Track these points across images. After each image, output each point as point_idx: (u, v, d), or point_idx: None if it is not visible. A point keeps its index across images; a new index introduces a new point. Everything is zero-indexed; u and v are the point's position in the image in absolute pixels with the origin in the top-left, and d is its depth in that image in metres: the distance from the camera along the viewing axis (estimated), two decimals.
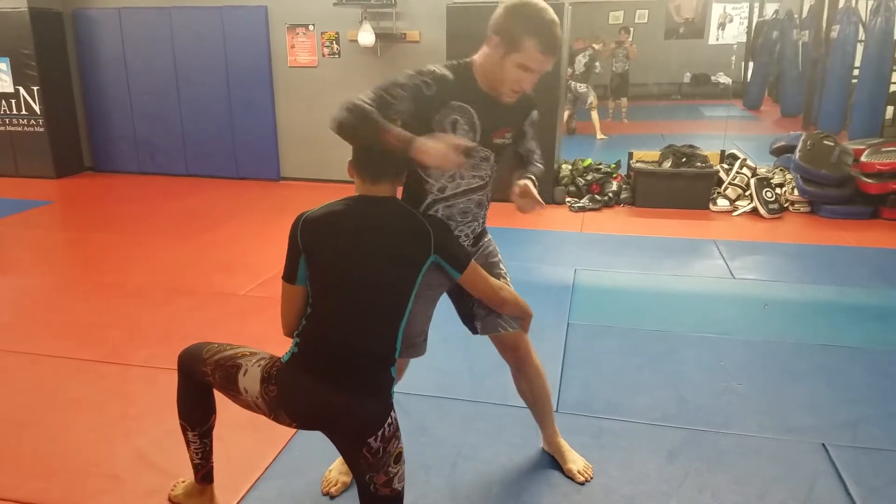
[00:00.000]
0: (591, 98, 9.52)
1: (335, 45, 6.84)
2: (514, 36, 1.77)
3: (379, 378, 1.72)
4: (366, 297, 1.72)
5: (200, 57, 7.19)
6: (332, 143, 8.31)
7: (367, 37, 6.45)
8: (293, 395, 1.72)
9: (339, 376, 1.69)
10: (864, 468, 2.37)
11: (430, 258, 1.79)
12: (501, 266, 2.16)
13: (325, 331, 1.74)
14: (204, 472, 2.06)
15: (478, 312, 2.13)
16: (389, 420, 1.70)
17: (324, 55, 6.91)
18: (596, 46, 9.66)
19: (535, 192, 1.95)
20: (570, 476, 2.32)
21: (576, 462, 2.35)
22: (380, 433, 1.68)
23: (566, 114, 8.70)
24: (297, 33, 6.92)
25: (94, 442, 2.54)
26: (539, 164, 2.14)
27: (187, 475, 2.13)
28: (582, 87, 9.49)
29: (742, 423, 2.65)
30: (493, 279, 1.97)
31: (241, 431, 2.49)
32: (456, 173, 1.94)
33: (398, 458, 1.73)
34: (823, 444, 2.50)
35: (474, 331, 2.17)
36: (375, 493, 1.72)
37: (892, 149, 5.77)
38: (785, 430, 2.61)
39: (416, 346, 2.06)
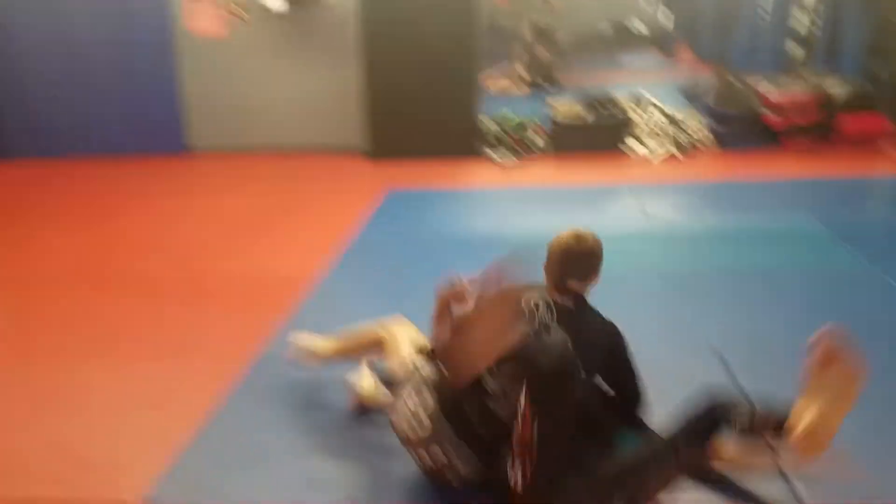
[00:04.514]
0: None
1: (243, 11, 6.59)
2: None
3: None
4: None
5: (96, 29, 6.81)
6: (250, 109, 7.81)
7: (276, 1, 6.27)
8: None
9: None
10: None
11: None
12: None
13: None
14: None
15: None
16: None
17: (231, 20, 6.64)
18: None
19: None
20: None
21: None
22: None
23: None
24: None
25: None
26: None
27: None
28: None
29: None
30: None
31: None
32: None
33: None
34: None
35: None
36: None
37: (793, 83, 6.06)
38: (685, 343, 2.78)
39: None
